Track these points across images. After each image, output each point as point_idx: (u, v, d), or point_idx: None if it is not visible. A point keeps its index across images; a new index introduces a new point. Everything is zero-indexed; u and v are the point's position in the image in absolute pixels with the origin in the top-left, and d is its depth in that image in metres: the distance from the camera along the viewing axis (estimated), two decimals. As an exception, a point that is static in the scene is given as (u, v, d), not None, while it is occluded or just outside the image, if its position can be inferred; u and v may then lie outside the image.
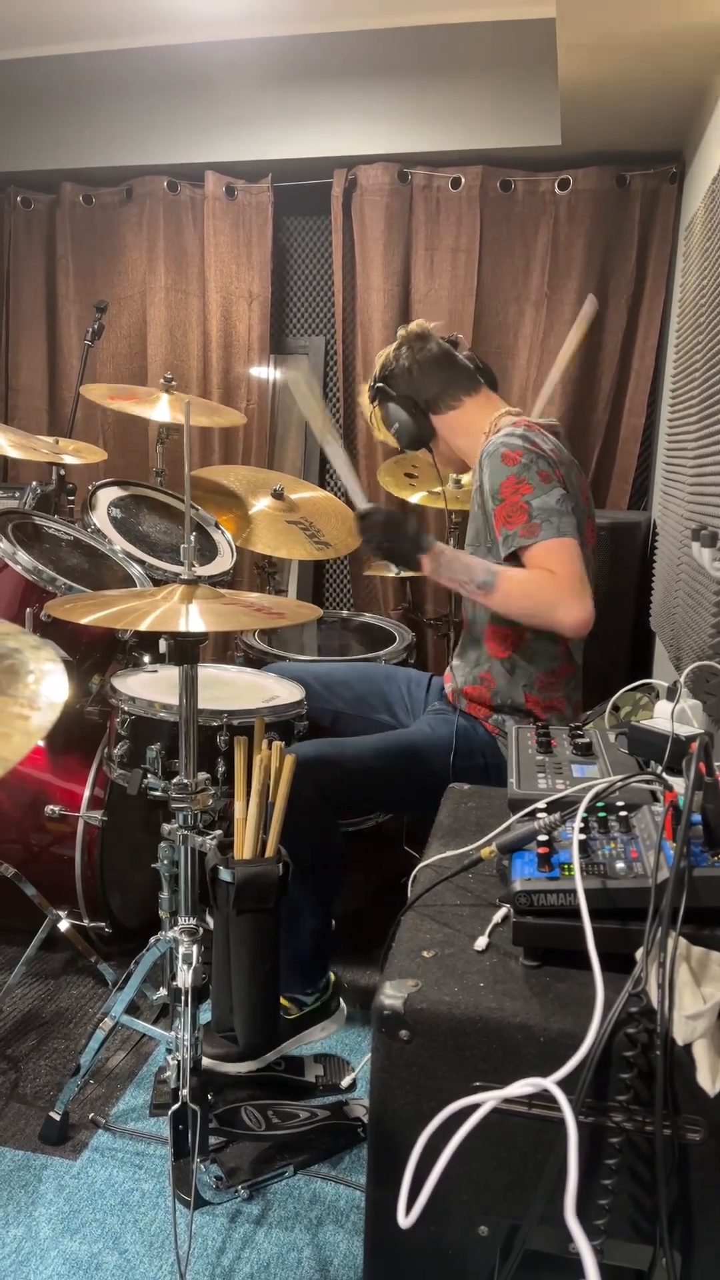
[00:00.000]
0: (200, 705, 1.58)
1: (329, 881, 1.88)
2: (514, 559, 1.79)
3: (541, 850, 1.00)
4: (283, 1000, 1.86)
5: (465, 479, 2.90)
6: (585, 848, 0.99)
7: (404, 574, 3.22)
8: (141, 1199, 1.61)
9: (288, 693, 2.06)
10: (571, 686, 1.99)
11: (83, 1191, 1.62)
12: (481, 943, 1.03)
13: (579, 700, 2.03)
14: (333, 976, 1.94)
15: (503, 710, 1.95)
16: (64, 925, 2.11)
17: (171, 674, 1.96)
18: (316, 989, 1.89)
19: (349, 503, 1.97)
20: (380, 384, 2.05)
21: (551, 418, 2.07)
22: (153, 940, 1.70)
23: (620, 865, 0.97)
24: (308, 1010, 1.88)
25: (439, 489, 3.01)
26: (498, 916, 1.08)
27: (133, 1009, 1.87)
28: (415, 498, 3.10)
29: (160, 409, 2.78)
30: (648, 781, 1.12)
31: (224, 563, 2.55)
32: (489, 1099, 0.86)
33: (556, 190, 3.23)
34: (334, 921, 1.92)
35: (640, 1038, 0.86)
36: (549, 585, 1.74)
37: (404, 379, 2.02)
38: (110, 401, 2.78)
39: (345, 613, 3.21)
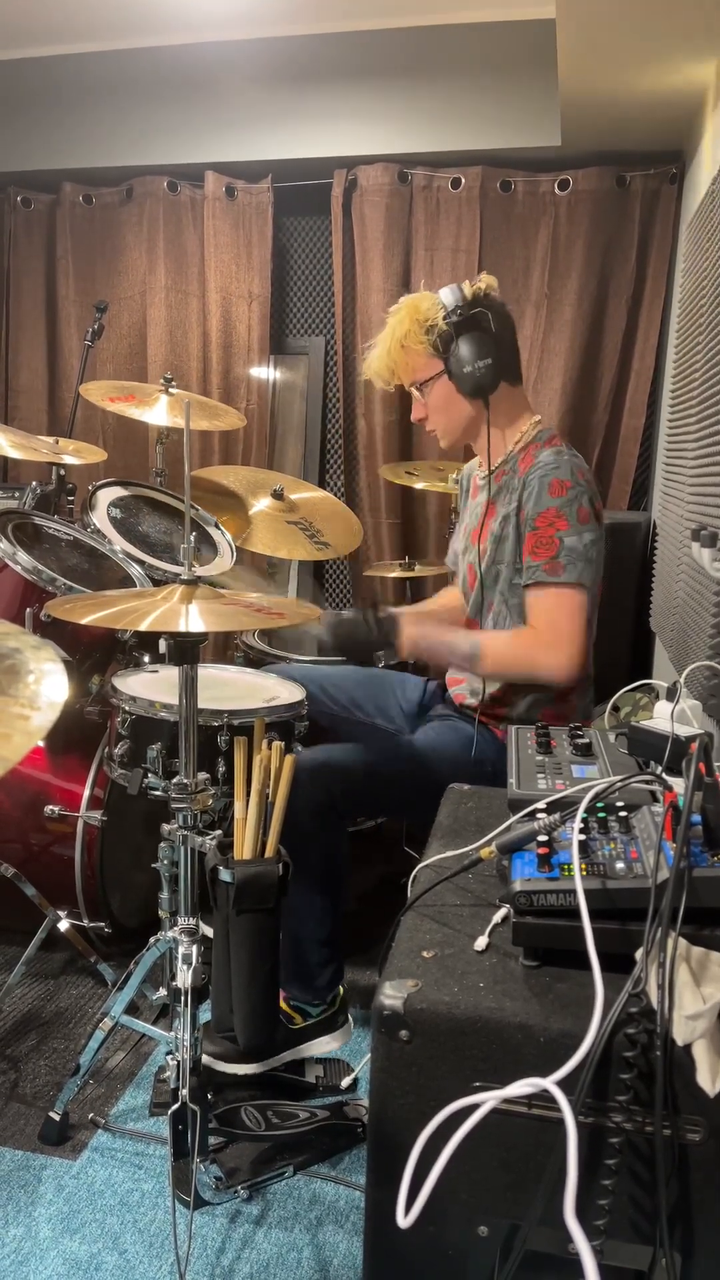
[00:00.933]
0: (200, 705, 1.58)
1: (337, 889, 1.87)
2: (533, 589, 1.79)
3: (541, 850, 1.00)
4: (287, 1008, 1.85)
5: (452, 476, 2.88)
6: (585, 848, 0.99)
7: (406, 575, 3.22)
8: (141, 1199, 1.61)
9: (288, 693, 2.06)
10: (586, 695, 1.98)
11: (82, 1192, 1.62)
12: (481, 943, 1.03)
13: (590, 705, 2.02)
14: (342, 990, 1.92)
15: (518, 720, 1.93)
16: (64, 925, 2.11)
17: (171, 674, 1.96)
18: (324, 1001, 1.88)
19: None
20: (480, 308, 1.81)
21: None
22: (152, 940, 1.70)
23: (620, 865, 0.97)
24: (313, 1021, 1.87)
25: (441, 484, 3.02)
26: (497, 917, 1.08)
27: (132, 1009, 1.87)
28: (419, 485, 3.13)
29: (159, 411, 2.77)
30: (647, 782, 1.12)
31: (224, 563, 2.55)
32: (488, 1099, 0.86)
33: (556, 191, 3.23)
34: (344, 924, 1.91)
35: (640, 1038, 0.86)
36: (525, 643, 1.79)
37: (500, 319, 1.84)
38: (110, 404, 2.78)
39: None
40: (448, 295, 1.84)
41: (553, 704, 1.92)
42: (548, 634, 1.76)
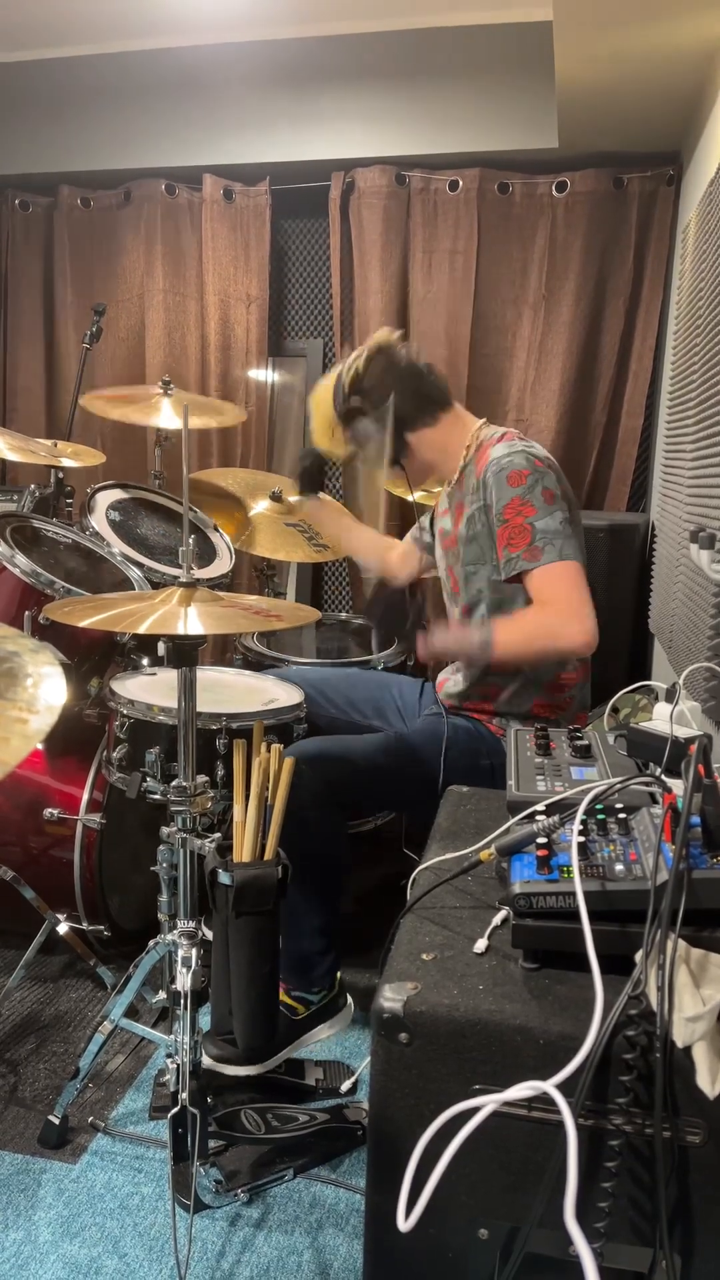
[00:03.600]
0: (199, 708, 1.58)
1: (334, 879, 1.88)
2: (516, 581, 1.80)
3: (541, 853, 1.00)
4: (288, 1000, 1.86)
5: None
6: (584, 850, 0.99)
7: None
8: (141, 1203, 1.61)
9: (286, 695, 2.06)
10: (582, 690, 1.99)
11: (82, 1195, 1.61)
12: (481, 945, 1.03)
13: (588, 700, 2.03)
14: (339, 975, 1.94)
15: (510, 712, 1.95)
16: (63, 928, 2.11)
17: (170, 677, 1.96)
18: (323, 988, 1.89)
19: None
20: (355, 398, 1.95)
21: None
22: (152, 943, 1.70)
23: (619, 867, 0.97)
24: (315, 1009, 1.88)
25: (437, 489, 3.01)
26: (497, 919, 1.08)
27: (132, 1012, 1.87)
28: (415, 495, 3.10)
29: (159, 414, 2.77)
30: (646, 783, 1.12)
31: (223, 565, 2.55)
32: (488, 1102, 0.86)
33: (554, 193, 3.23)
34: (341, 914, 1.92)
35: (640, 1040, 0.86)
36: (541, 619, 1.76)
37: (377, 394, 1.94)
38: (110, 412, 2.78)
39: (344, 615, 3.21)
40: (333, 388, 1.99)
41: (546, 695, 1.93)
42: (560, 605, 1.75)
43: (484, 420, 2.01)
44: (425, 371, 2.00)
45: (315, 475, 2.24)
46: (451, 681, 2.05)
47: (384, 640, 1.90)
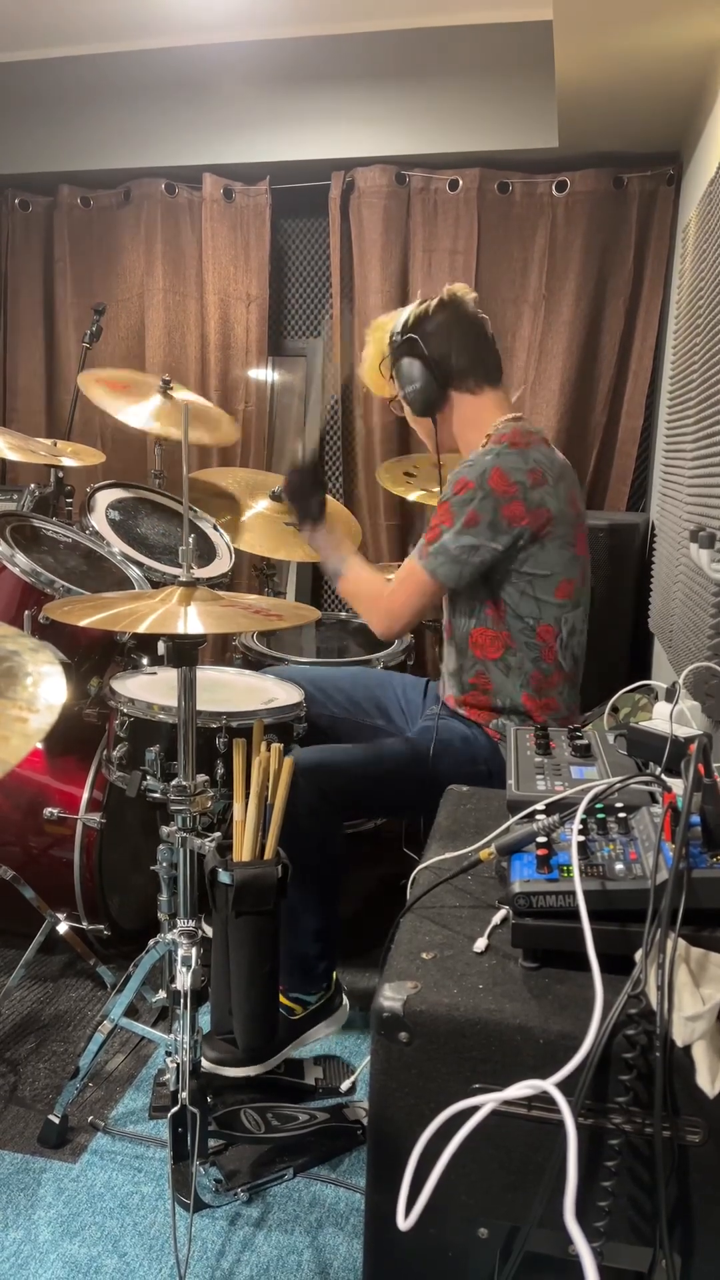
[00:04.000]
0: (199, 707, 1.58)
1: (332, 882, 1.89)
2: (411, 556, 1.89)
3: (540, 852, 1.00)
4: (285, 1001, 1.86)
5: None
6: (584, 849, 0.99)
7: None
8: (141, 1202, 1.61)
9: (286, 694, 2.06)
10: (567, 691, 1.99)
11: (82, 1194, 1.61)
12: (481, 944, 1.03)
13: (576, 704, 2.03)
14: (335, 975, 1.94)
15: (503, 713, 1.95)
16: (63, 928, 2.11)
17: (170, 676, 1.96)
18: (320, 989, 1.89)
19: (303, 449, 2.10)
20: (411, 334, 1.92)
21: (538, 427, 2.06)
22: (152, 943, 1.70)
23: (619, 867, 0.97)
24: (311, 1009, 1.88)
25: (437, 489, 3.01)
26: (497, 918, 1.08)
27: (132, 1011, 1.87)
28: (413, 495, 3.11)
29: (157, 416, 2.75)
30: (646, 783, 1.12)
31: (222, 565, 2.55)
32: (488, 1101, 0.86)
33: (554, 192, 3.23)
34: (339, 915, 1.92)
35: (639, 1039, 0.86)
36: (373, 593, 1.97)
37: (436, 339, 1.91)
38: (106, 403, 2.76)
39: (343, 614, 3.21)
40: (398, 320, 1.99)
41: (534, 691, 1.93)
42: (395, 597, 1.92)
43: (510, 417, 1.96)
44: (488, 337, 1.97)
45: (313, 486, 2.09)
46: (447, 683, 2.06)
47: (290, 501, 2.07)
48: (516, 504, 1.80)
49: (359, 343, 2.09)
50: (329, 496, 3.11)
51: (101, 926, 2.19)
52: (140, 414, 2.75)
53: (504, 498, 1.80)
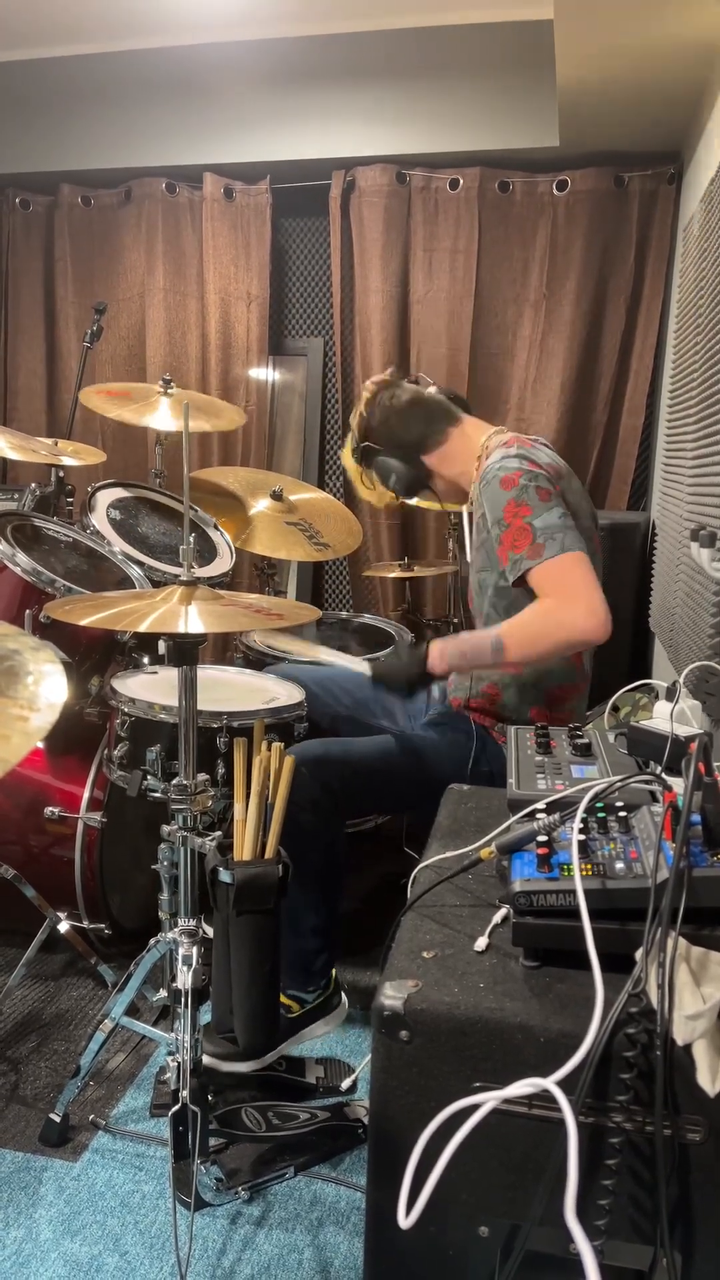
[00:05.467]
0: (200, 707, 1.58)
1: (333, 879, 1.88)
2: (522, 583, 1.77)
3: (541, 851, 1.00)
4: (284, 999, 1.86)
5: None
6: (585, 848, 0.99)
7: (404, 575, 3.22)
8: (142, 1200, 1.61)
9: (287, 694, 2.06)
10: (580, 701, 1.99)
11: (83, 1193, 1.62)
12: (481, 943, 1.03)
13: (584, 709, 2.03)
14: (334, 973, 1.94)
15: (510, 719, 1.94)
16: (64, 927, 2.11)
17: (171, 675, 1.96)
18: (318, 987, 1.89)
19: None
20: (365, 443, 2.05)
21: (539, 436, 2.06)
22: (152, 942, 1.70)
23: (620, 865, 0.97)
24: (309, 1007, 1.88)
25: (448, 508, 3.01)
26: (497, 917, 1.08)
27: (133, 1010, 1.87)
28: (414, 499, 3.11)
29: (160, 414, 2.76)
30: (647, 782, 1.12)
31: (223, 564, 2.55)
32: (489, 1099, 0.86)
33: (554, 191, 3.23)
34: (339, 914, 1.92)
35: (640, 1038, 0.86)
36: (549, 612, 1.73)
37: (384, 430, 2.02)
38: (109, 412, 2.78)
39: (344, 614, 3.21)
40: (350, 442, 2.09)
41: (547, 707, 1.93)
42: (562, 594, 1.71)
43: (497, 428, 2.00)
44: (424, 396, 2.04)
45: (393, 674, 1.92)
46: (456, 684, 2.05)
47: (407, 690, 1.91)
48: (557, 484, 1.82)
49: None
50: (328, 495, 3.12)
51: (102, 925, 2.19)
52: (143, 413, 2.76)
53: (548, 477, 1.81)
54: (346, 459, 2.12)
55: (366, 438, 2.05)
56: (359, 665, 1.96)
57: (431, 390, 2.07)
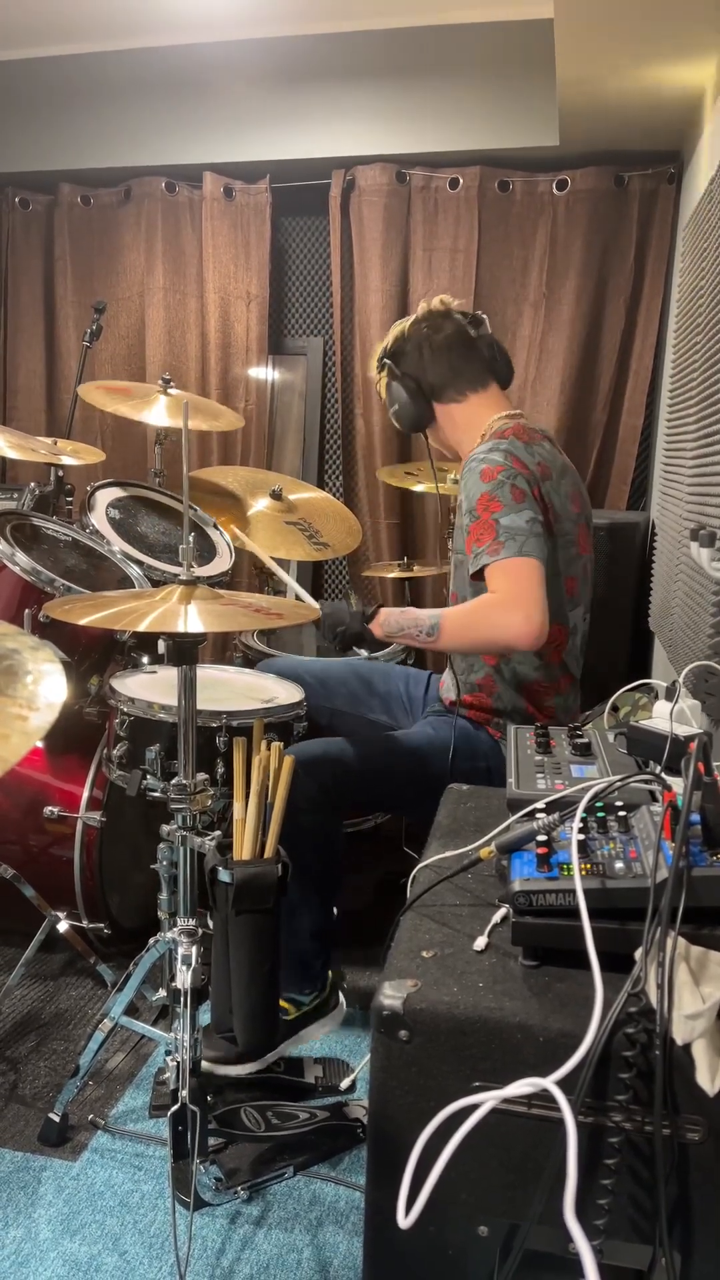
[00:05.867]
0: (199, 706, 1.58)
1: (330, 881, 1.89)
2: (480, 577, 1.78)
3: (540, 850, 1.00)
4: (281, 1001, 1.86)
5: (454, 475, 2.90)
6: (584, 848, 0.99)
7: (404, 575, 3.22)
8: (141, 1200, 1.61)
9: (286, 693, 2.06)
10: (571, 697, 1.99)
11: (82, 1193, 1.61)
12: (481, 943, 1.03)
13: (577, 708, 2.03)
14: (330, 974, 1.94)
15: (504, 715, 1.95)
16: (63, 926, 2.11)
17: (170, 675, 1.96)
18: (315, 988, 1.89)
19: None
20: (388, 359, 1.99)
21: (544, 425, 2.06)
22: (152, 941, 1.70)
23: (619, 865, 0.97)
24: (306, 1009, 1.88)
25: (435, 483, 3.02)
26: (497, 916, 1.08)
27: (132, 1010, 1.87)
28: (419, 487, 3.13)
29: (158, 411, 2.77)
30: (646, 781, 1.12)
31: (222, 563, 2.55)
32: (488, 1099, 0.86)
33: (554, 191, 3.23)
34: (336, 915, 1.92)
35: (639, 1037, 0.86)
36: (484, 609, 1.74)
37: (414, 357, 1.96)
38: (107, 406, 2.77)
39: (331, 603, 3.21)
40: (379, 349, 2.04)
41: (527, 700, 1.93)
42: (503, 596, 1.72)
43: (507, 413, 1.97)
44: (470, 344, 1.97)
45: (333, 621, 1.92)
46: (446, 684, 2.06)
47: (342, 644, 1.91)
48: (536, 487, 1.82)
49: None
50: (327, 494, 3.12)
51: (102, 925, 2.19)
52: (141, 410, 2.76)
53: (528, 479, 1.80)
54: (371, 364, 2.09)
55: (394, 354, 1.99)
56: (308, 600, 1.97)
57: (482, 343, 1.99)
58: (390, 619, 1.85)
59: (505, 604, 1.71)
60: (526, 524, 1.74)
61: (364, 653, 2.04)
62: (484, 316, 2.04)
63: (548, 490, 1.83)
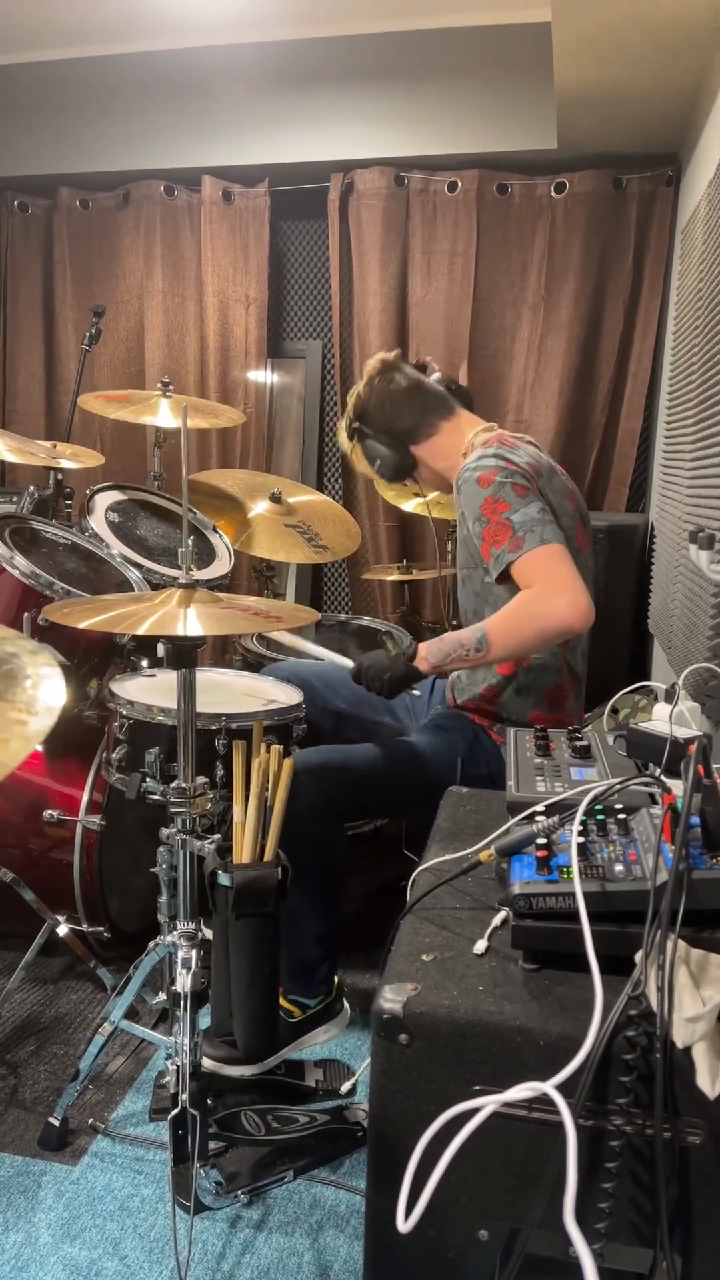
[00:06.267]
0: (198, 709, 1.58)
1: (333, 887, 1.88)
2: (506, 578, 1.78)
3: (540, 853, 1.00)
4: (285, 1003, 1.86)
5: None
6: (584, 850, 0.99)
7: (403, 578, 3.22)
8: (141, 1204, 1.60)
9: (285, 696, 2.06)
10: (575, 698, 1.99)
11: (82, 1197, 1.61)
12: (481, 946, 1.03)
13: (581, 708, 2.03)
14: (336, 979, 1.94)
15: (508, 718, 1.94)
16: (63, 930, 2.10)
17: (169, 678, 1.95)
18: (320, 993, 1.89)
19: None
20: (356, 423, 2.05)
21: (526, 435, 2.07)
22: (152, 945, 1.70)
23: (619, 868, 0.96)
24: (311, 1013, 1.88)
25: (431, 494, 3.02)
26: (497, 920, 1.08)
27: (132, 1014, 1.86)
28: (409, 505, 3.11)
29: (158, 414, 2.77)
30: (646, 784, 1.12)
31: (222, 566, 2.55)
32: (488, 1103, 0.86)
33: (553, 193, 3.23)
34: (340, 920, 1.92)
35: (640, 1041, 0.86)
36: (526, 605, 1.74)
37: (378, 414, 2.02)
38: (109, 413, 2.78)
39: (343, 616, 3.21)
40: (344, 419, 2.09)
41: (546, 708, 1.93)
42: (545, 584, 1.72)
43: (485, 426, 2.01)
44: (423, 384, 2.04)
45: (377, 668, 1.87)
46: (454, 684, 2.05)
47: (391, 691, 1.88)
48: (534, 482, 1.83)
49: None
50: (326, 497, 3.12)
51: (101, 929, 2.19)
52: (141, 414, 2.76)
53: (524, 475, 1.81)
54: (341, 436, 2.13)
55: (360, 418, 2.05)
56: (343, 661, 1.95)
57: (434, 378, 2.07)
58: (432, 650, 1.82)
59: (546, 593, 1.71)
60: (539, 514, 1.77)
61: (417, 691, 2.04)
62: (429, 360, 2.13)
63: (543, 486, 1.84)
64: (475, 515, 1.81)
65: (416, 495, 3.19)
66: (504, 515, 1.77)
